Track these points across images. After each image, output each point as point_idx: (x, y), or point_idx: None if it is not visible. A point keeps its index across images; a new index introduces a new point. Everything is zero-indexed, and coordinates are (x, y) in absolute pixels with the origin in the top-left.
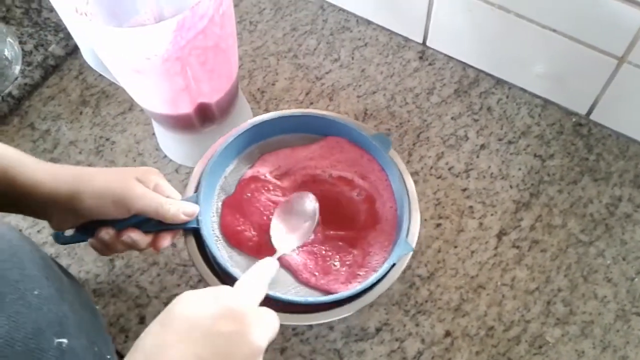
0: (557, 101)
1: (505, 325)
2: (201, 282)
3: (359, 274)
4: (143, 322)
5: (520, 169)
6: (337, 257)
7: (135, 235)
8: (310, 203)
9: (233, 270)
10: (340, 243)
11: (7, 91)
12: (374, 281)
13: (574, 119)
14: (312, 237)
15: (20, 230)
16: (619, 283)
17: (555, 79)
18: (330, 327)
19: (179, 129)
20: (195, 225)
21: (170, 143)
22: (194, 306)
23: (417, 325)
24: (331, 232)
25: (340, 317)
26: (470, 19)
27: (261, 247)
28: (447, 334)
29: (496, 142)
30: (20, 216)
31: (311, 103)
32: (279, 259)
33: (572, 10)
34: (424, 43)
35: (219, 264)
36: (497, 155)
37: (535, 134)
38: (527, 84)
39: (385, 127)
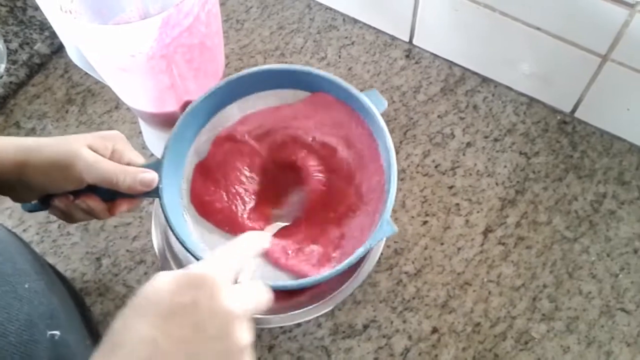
0: (542, 99)
1: (492, 322)
2: None
3: (333, 256)
4: None
5: (505, 167)
6: (314, 233)
7: (91, 202)
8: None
9: (190, 243)
10: (320, 221)
11: None
12: (348, 266)
13: (558, 117)
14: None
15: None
16: (603, 279)
17: (540, 77)
18: (318, 324)
19: (165, 127)
20: (155, 195)
21: (156, 141)
22: (158, 284)
23: (404, 321)
24: (311, 210)
25: (318, 314)
26: (456, 17)
27: (232, 220)
28: (434, 330)
29: (482, 140)
30: (5, 215)
31: None
32: None
33: (556, 8)
34: (410, 42)
35: (177, 238)
36: (483, 153)
37: (521, 131)
38: (512, 82)
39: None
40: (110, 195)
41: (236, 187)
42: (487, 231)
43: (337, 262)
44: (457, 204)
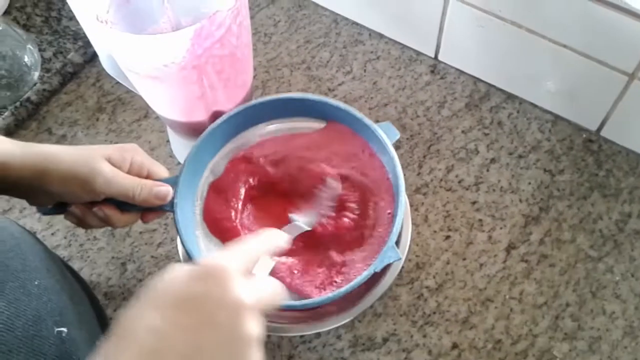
0: (568, 117)
1: (513, 339)
2: None
3: (335, 281)
4: None
5: (530, 184)
6: (319, 259)
7: (108, 211)
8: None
9: (200, 259)
10: (325, 248)
11: (26, 96)
12: (352, 289)
13: (584, 135)
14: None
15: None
16: (627, 299)
17: (565, 94)
18: (338, 335)
19: (193, 136)
20: (169, 209)
21: (183, 149)
22: (170, 275)
23: (424, 336)
24: (320, 233)
25: (338, 325)
26: (482, 34)
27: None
28: (455, 346)
29: (506, 156)
30: (35, 218)
31: None
32: None
33: (583, 26)
34: (435, 57)
35: (187, 252)
36: (507, 169)
37: (546, 149)
38: (537, 99)
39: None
40: (128, 206)
41: (247, 207)
42: (510, 248)
43: (338, 287)
44: (480, 220)
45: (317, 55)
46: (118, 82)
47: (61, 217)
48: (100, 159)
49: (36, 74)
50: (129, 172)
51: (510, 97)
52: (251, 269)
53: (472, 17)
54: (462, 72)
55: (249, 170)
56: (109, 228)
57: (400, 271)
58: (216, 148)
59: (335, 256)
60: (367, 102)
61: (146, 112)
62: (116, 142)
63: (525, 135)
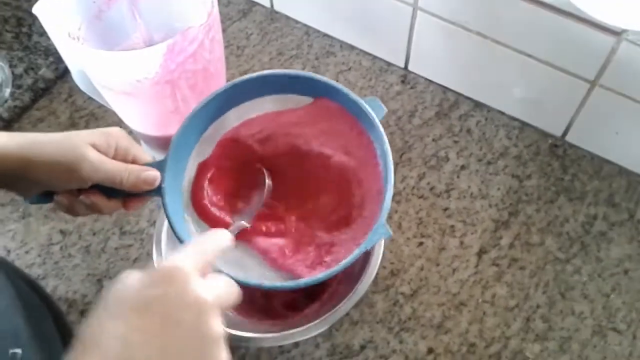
0: (534, 123)
1: (487, 342)
2: None
3: (325, 261)
4: None
5: (499, 189)
6: (309, 238)
7: (95, 198)
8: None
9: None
10: (318, 223)
11: None
12: (341, 269)
13: (550, 141)
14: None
15: None
16: (595, 299)
17: (531, 102)
18: (316, 344)
19: (167, 150)
20: (156, 194)
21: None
22: (126, 280)
23: (400, 342)
24: (310, 212)
25: (315, 333)
26: (450, 44)
27: (225, 224)
28: (430, 350)
29: (476, 163)
30: (8, 237)
31: None
32: (252, 241)
33: (546, 35)
34: (405, 67)
35: (177, 237)
36: (477, 176)
37: (513, 155)
38: (504, 107)
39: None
40: (114, 192)
41: (233, 191)
42: (481, 252)
43: (328, 266)
44: (452, 226)
45: (289, 67)
46: (90, 98)
47: (36, 235)
48: (85, 145)
49: (7, 91)
50: (114, 158)
51: (478, 105)
52: (205, 269)
53: (439, 28)
54: (431, 81)
55: (237, 150)
56: (84, 245)
57: (376, 278)
58: (201, 130)
59: (324, 236)
60: None
61: (119, 126)
62: None
63: (493, 142)
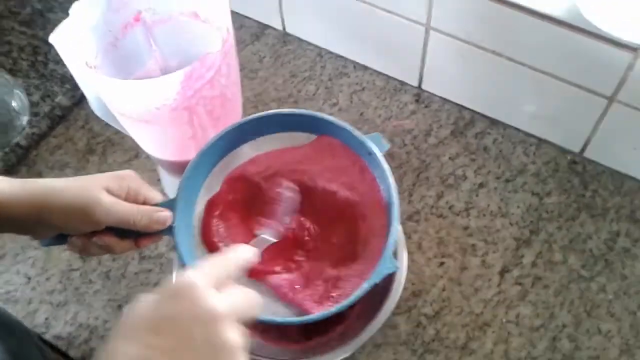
0: (551, 140)
1: None
2: None
3: (331, 296)
4: None
5: (519, 207)
6: (318, 272)
7: (107, 239)
8: (286, 191)
9: None
10: (325, 259)
11: (15, 141)
12: (349, 304)
13: (568, 157)
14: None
15: None
16: (622, 318)
17: (548, 118)
18: None
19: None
20: (167, 233)
21: (175, 188)
22: (139, 304)
23: None
24: (318, 248)
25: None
26: (463, 63)
27: None
28: None
29: (494, 181)
30: (28, 264)
31: None
32: (264, 279)
33: (562, 53)
34: (419, 86)
35: None
36: (496, 194)
37: (532, 172)
38: (520, 124)
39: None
40: (127, 232)
41: (242, 228)
42: (503, 271)
43: (335, 301)
44: (473, 245)
45: (303, 89)
46: (107, 124)
47: (56, 261)
48: (100, 190)
49: (25, 119)
50: (126, 199)
51: (494, 122)
52: (223, 283)
53: (453, 48)
54: (446, 100)
55: (244, 187)
56: (104, 270)
57: (398, 300)
58: (209, 168)
59: (331, 271)
60: None
61: (136, 152)
62: None
63: (511, 159)
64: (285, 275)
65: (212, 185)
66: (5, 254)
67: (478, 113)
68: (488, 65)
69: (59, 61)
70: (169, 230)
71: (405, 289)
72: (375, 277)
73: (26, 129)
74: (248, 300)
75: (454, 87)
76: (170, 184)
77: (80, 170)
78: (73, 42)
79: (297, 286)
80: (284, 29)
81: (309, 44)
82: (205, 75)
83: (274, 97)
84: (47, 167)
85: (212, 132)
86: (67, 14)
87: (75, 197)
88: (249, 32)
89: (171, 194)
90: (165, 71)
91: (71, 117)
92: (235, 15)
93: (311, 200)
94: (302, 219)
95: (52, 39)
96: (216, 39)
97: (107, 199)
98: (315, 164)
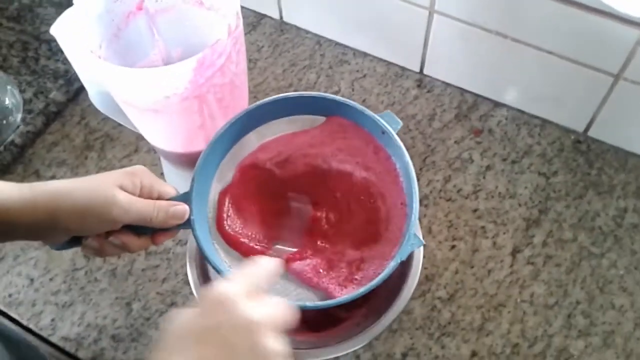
0: (555, 120)
1: (530, 342)
2: None
3: (355, 278)
4: None
5: (526, 187)
6: (340, 255)
7: (124, 238)
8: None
9: (227, 272)
10: (347, 241)
11: (9, 140)
12: (378, 283)
13: (572, 137)
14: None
15: None
16: (634, 292)
17: (552, 98)
18: (356, 356)
19: (190, 167)
20: (186, 227)
21: (178, 181)
22: (178, 319)
23: (442, 347)
24: (339, 230)
25: (356, 348)
26: (467, 46)
27: (253, 251)
28: (474, 354)
29: (501, 163)
30: (30, 265)
31: None
32: (287, 267)
33: (568, 31)
34: (421, 71)
35: (214, 268)
36: (503, 175)
37: (537, 152)
38: (524, 105)
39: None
40: (143, 229)
41: (257, 217)
42: (515, 252)
43: (359, 284)
44: (483, 227)
45: (304, 78)
46: (105, 118)
47: (59, 261)
48: (114, 188)
49: (19, 116)
50: (140, 196)
51: (497, 105)
52: (256, 294)
53: (456, 30)
54: (448, 84)
55: (257, 177)
56: (110, 268)
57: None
58: (220, 157)
59: (353, 252)
60: None
61: (136, 147)
62: None
63: (516, 140)
64: (308, 261)
65: (223, 176)
66: (4, 256)
67: (481, 96)
68: (492, 47)
69: (50, 57)
70: (187, 224)
71: None
72: (401, 254)
73: (20, 127)
74: (282, 309)
75: (457, 71)
76: (173, 177)
77: (78, 167)
78: (76, 33)
79: (321, 270)
80: (281, 17)
81: (307, 32)
82: (217, 62)
83: (274, 86)
84: (43, 165)
85: (221, 121)
86: (56, 8)
87: (89, 197)
88: (245, 22)
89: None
90: (167, 61)
91: (67, 113)
92: None
93: (327, 182)
94: (318, 210)
95: (53, 30)
96: (221, 27)
97: (123, 197)
98: (327, 146)
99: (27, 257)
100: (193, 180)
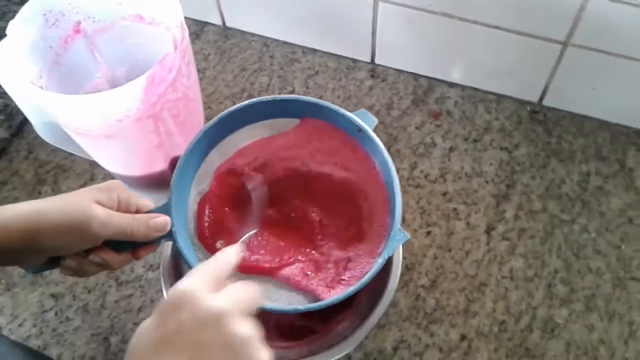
0: (509, 94)
1: (515, 317)
2: None
3: (343, 279)
4: None
5: (491, 164)
6: (326, 257)
7: (105, 255)
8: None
9: None
10: (332, 243)
11: None
12: (367, 281)
13: (528, 108)
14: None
15: None
16: (608, 253)
17: (504, 73)
18: (348, 357)
19: (152, 189)
20: (168, 239)
21: None
22: (141, 328)
23: (431, 335)
24: (322, 232)
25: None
26: (415, 30)
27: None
28: (463, 337)
29: (463, 143)
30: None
31: None
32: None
33: (512, 4)
34: (372, 61)
35: None
36: (467, 155)
37: (497, 128)
38: (478, 83)
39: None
40: (123, 245)
41: (236, 224)
42: (489, 229)
43: (347, 284)
44: (455, 209)
45: (256, 82)
46: (54, 149)
47: (26, 304)
48: (91, 204)
49: None
50: (118, 210)
51: (451, 85)
52: (219, 284)
53: (403, 16)
54: (401, 71)
55: (235, 181)
56: (81, 305)
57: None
58: (195, 167)
59: (339, 253)
60: None
61: (91, 174)
62: None
63: (474, 118)
64: (295, 265)
65: (200, 184)
66: None
67: (434, 79)
68: (439, 28)
69: None
70: (168, 235)
71: None
72: (388, 250)
73: None
74: (247, 291)
75: (408, 56)
76: None
77: None
78: (13, 64)
79: (308, 272)
80: (223, 23)
81: (253, 35)
82: (167, 77)
83: (227, 94)
84: None
85: (179, 138)
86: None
87: (67, 215)
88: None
89: None
90: (112, 82)
91: (12, 148)
92: None
93: (307, 185)
94: (301, 213)
95: None
96: (166, 40)
97: (102, 211)
98: (304, 148)
99: None
100: (171, 191)
